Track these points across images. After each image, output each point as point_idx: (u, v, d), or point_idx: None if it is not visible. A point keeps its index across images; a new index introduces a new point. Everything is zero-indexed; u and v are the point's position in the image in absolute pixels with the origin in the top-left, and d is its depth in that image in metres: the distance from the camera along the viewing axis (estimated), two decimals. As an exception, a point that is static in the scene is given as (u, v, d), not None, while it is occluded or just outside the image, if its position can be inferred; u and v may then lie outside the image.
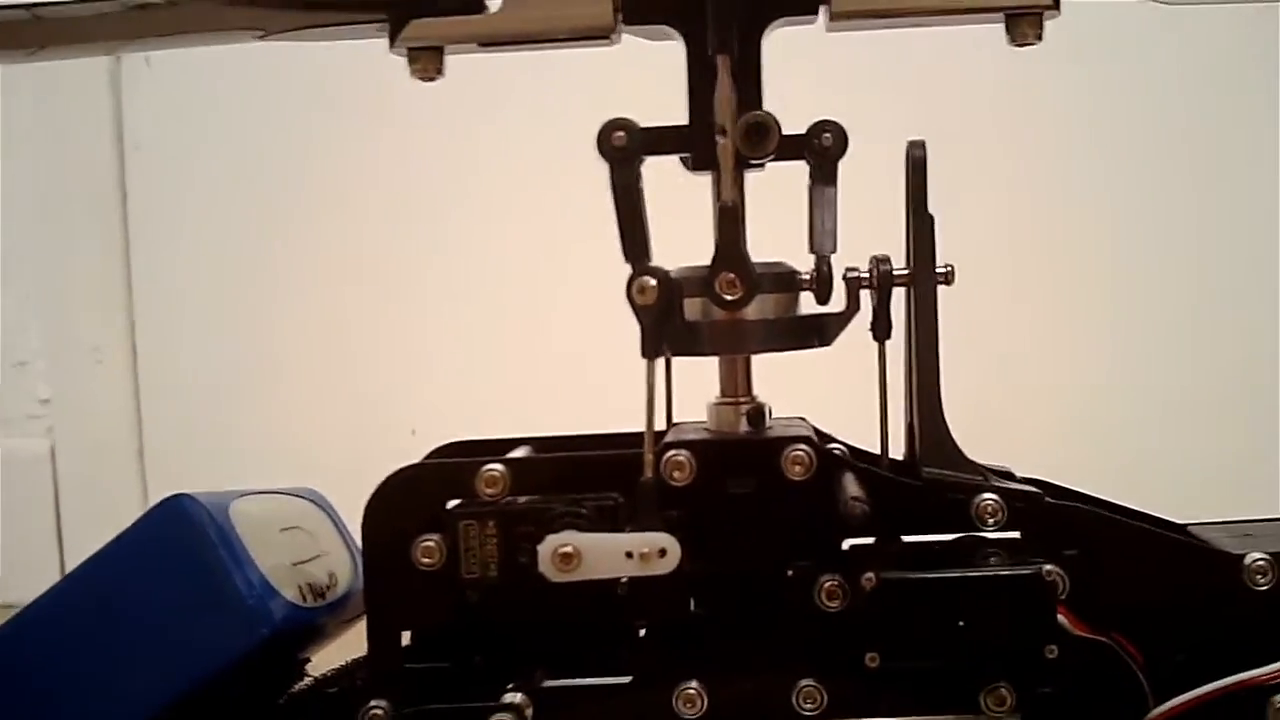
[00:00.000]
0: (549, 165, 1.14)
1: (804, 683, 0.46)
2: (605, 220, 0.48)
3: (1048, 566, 0.43)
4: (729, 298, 0.47)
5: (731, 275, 0.47)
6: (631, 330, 0.47)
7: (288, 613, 0.47)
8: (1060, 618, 0.44)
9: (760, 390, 0.51)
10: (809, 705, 0.46)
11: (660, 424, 0.49)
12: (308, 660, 0.52)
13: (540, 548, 0.45)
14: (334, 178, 1.31)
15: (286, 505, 0.52)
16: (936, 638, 0.44)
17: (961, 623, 0.43)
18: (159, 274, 1.34)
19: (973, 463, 0.48)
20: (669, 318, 0.47)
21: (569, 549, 0.45)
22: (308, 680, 0.51)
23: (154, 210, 1.35)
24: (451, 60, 0.48)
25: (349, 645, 0.51)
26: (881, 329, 0.49)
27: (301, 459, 1.18)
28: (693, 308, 0.48)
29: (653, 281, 0.46)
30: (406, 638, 0.48)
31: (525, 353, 1.23)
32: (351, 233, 1.29)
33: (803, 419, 0.51)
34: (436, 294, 1.27)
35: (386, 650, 0.47)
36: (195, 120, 1.33)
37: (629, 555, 0.45)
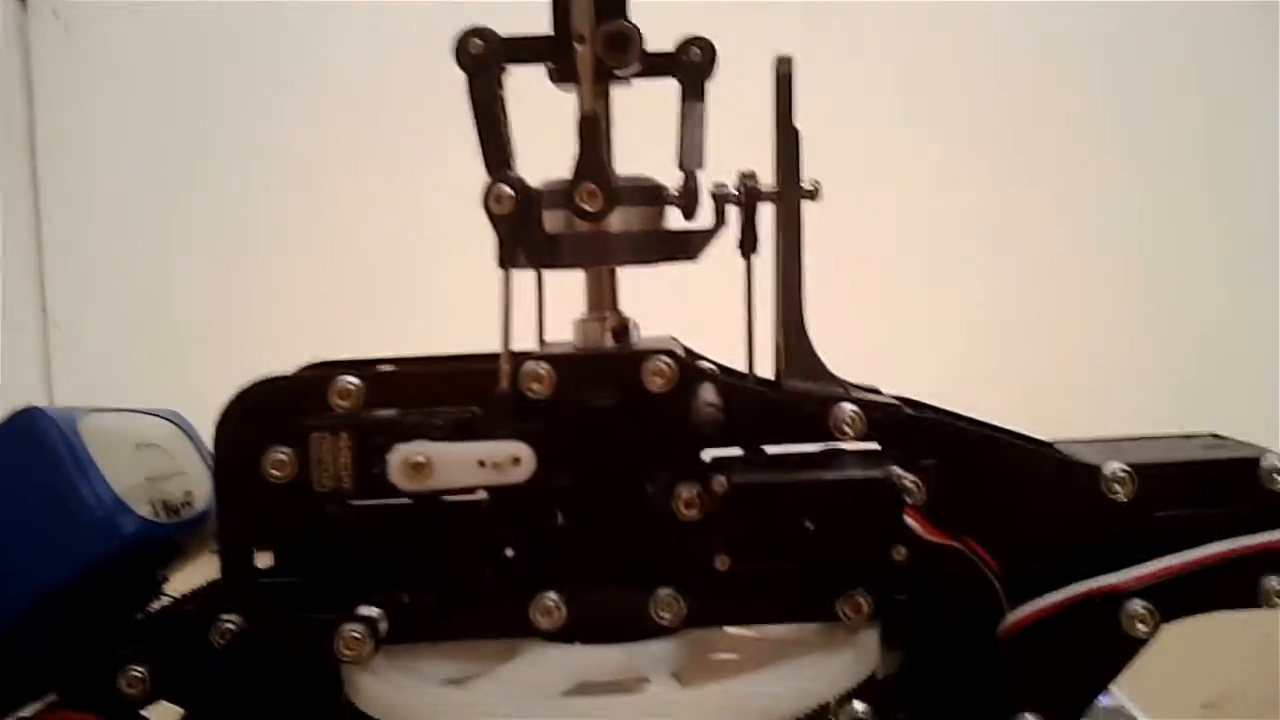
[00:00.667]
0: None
1: (662, 591, 0.46)
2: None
3: (896, 469, 0.43)
4: (589, 209, 0.46)
5: (592, 186, 0.46)
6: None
7: (138, 527, 0.46)
8: (913, 523, 0.44)
9: (633, 312, 0.50)
10: (666, 614, 0.46)
11: (533, 344, 0.48)
12: (165, 580, 0.51)
13: (390, 456, 0.44)
14: (246, 137, 1.30)
15: (143, 424, 0.51)
16: (788, 542, 0.44)
17: (811, 526, 0.43)
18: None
19: (835, 377, 0.48)
20: (527, 228, 0.46)
21: (420, 458, 0.44)
22: (164, 599, 0.50)
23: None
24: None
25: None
26: (748, 244, 0.49)
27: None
28: (554, 220, 0.47)
29: (509, 190, 0.46)
30: (268, 561, 0.48)
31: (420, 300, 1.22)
32: (262, 192, 1.28)
33: (673, 338, 0.51)
34: (340, 246, 1.26)
35: (239, 565, 0.46)
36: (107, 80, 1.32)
37: (481, 464, 0.44)
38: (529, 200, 0.46)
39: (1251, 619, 0.47)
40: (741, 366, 0.50)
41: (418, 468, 0.44)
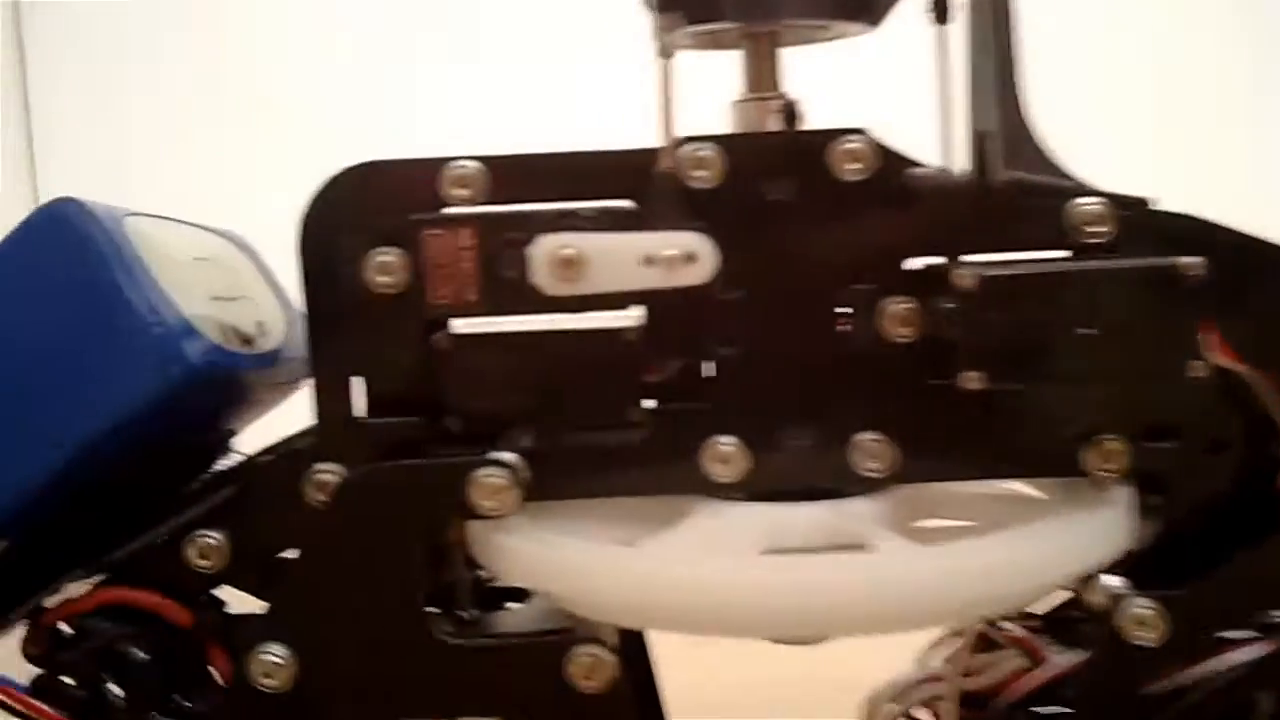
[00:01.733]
0: None
1: (866, 435, 0.36)
2: None
3: (1185, 259, 0.34)
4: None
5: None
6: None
7: (206, 353, 0.37)
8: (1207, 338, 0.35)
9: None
10: (874, 464, 0.36)
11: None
12: (233, 433, 0.41)
13: (533, 249, 0.35)
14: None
15: (200, 237, 0.42)
16: (1059, 357, 0.34)
17: (1087, 330, 0.34)
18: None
19: (1064, 169, 0.39)
20: None
21: (571, 251, 0.35)
22: (234, 457, 0.41)
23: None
24: None
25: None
26: (941, 7, 0.40)
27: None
28: None
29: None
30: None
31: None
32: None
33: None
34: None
35: (337, 401, 0.37)
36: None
37: (648, 261, 0.35)
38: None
39: None
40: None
41: (568, 264, 0.35)
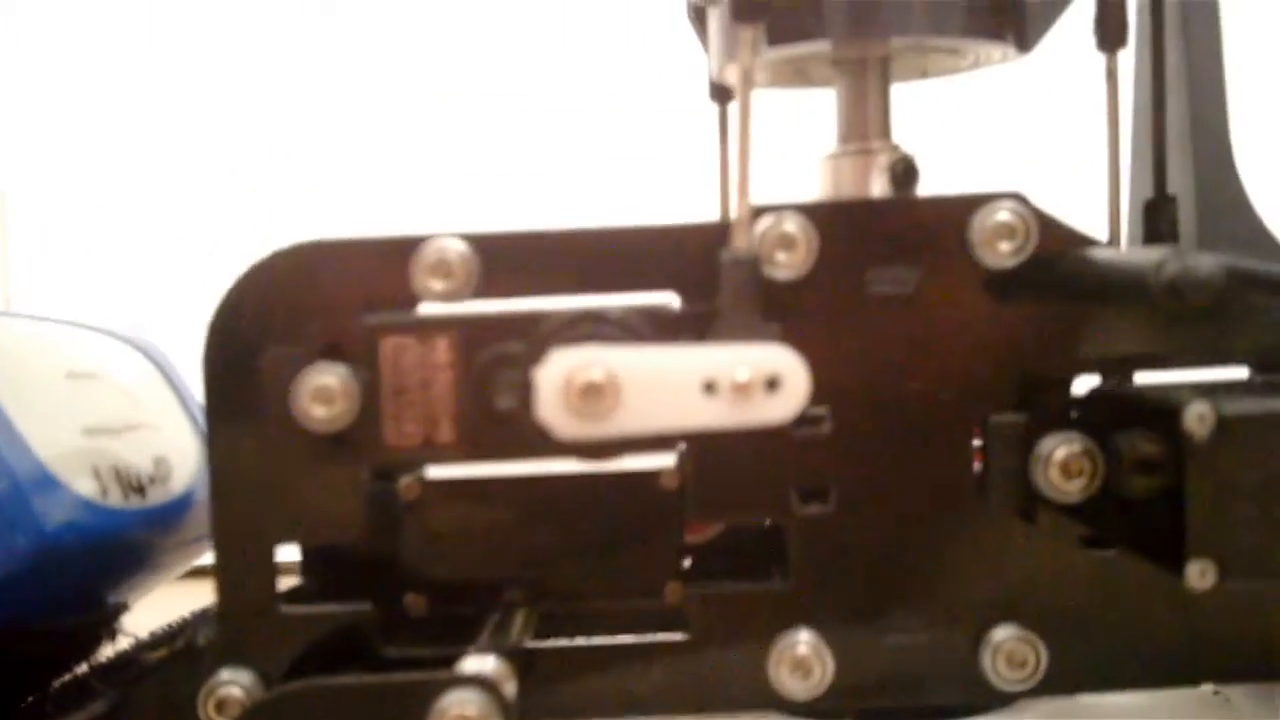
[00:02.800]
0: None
1: (1000, 634, 0.25)
2: None
3: None
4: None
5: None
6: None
7: (73, 515, 0.25)
8: None
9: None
10: (1011, 673, 0.25)
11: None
12: (122, 608, 0.30)
13: (540, 371, 0.23)
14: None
15: (85, 345, 0.30)
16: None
17: None
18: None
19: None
20: None
21: (597, 374, 0.23)
22: (122, 642, 0.29)
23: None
24: None
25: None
26: (1113, 30, 0.29)
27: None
28: None
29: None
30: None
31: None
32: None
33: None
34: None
35: (247, 579, 0.26)
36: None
37: (709, 388, 0.24)
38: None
39: None
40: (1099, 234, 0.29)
41: (593, 392, 0.23)
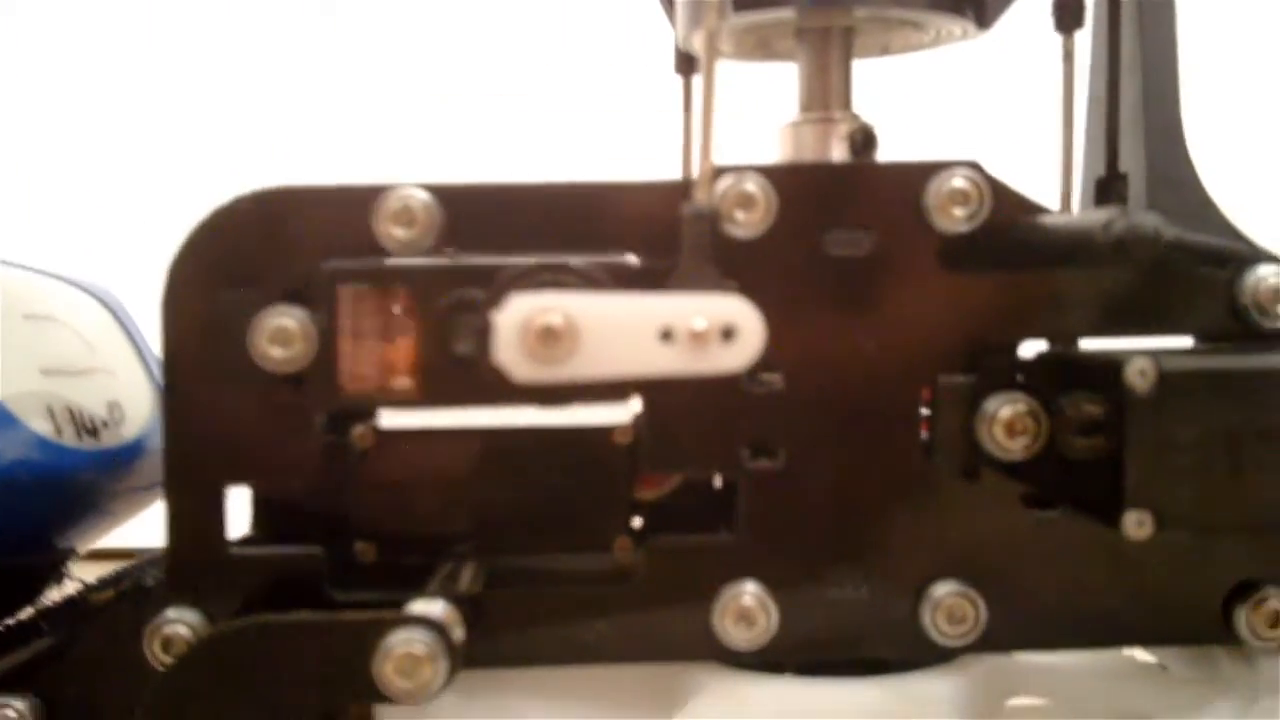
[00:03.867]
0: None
1: (941, 589, 0.26)
2: None
3: None
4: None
5: None
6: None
7: (27, 452, 0.25)
8: None
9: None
10: (952, 629, 0.26)
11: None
12: (70, 554, 0.30)
13: (498, 315, 0.23)
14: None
15: (43, 289, 0.30)
16: (1250, 489, 0.23)
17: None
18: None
19: (1230, 222, 0.28)
20: None
21: (554, 319, 0.23)
22: (68, 586, 0.29)
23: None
24: None
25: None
26: (1071, 12, 0.29)
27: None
28: None
29: None
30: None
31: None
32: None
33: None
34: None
35: (196, 519, 0.26)
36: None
37: (665, 335, 0.24)
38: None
39: None
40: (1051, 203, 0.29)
41: (549, 336, 0.23)
